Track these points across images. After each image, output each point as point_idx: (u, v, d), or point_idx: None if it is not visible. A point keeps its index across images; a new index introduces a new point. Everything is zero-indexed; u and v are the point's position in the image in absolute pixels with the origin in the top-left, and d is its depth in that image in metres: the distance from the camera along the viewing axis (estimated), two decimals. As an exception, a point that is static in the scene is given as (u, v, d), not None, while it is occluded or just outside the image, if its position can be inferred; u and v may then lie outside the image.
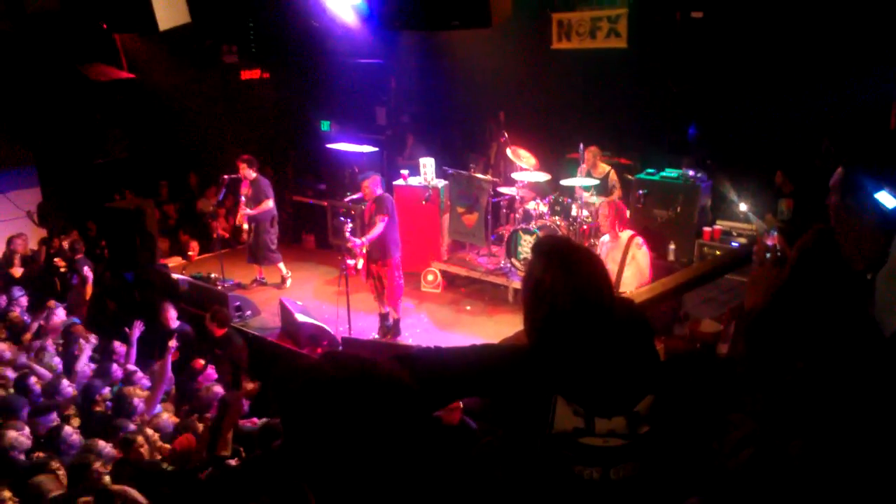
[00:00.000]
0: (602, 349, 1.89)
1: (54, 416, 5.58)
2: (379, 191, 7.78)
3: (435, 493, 1.30)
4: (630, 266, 5.99)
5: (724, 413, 2.08)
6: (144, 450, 4.93)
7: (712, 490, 1.91)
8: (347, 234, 7.62)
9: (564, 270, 1.92)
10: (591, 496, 1.90)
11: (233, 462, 4.26)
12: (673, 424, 1.94)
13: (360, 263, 7.76)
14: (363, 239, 7.61)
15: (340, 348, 7.24)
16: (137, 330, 7.12)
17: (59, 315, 7.62)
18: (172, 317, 7.46)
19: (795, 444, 1.84)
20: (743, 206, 8.36)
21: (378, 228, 7.55)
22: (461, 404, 4.65)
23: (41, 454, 4.90)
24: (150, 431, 5.28)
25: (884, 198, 1.69)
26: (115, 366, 6.60)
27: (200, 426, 5.22)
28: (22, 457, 4.91)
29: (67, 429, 5.24)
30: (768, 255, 2.00)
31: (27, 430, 5.14)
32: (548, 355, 1.92)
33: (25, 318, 7.83)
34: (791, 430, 1.90)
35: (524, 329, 2.04)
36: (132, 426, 5.38)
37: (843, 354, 1.74)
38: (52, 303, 7.90)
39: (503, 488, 1.99)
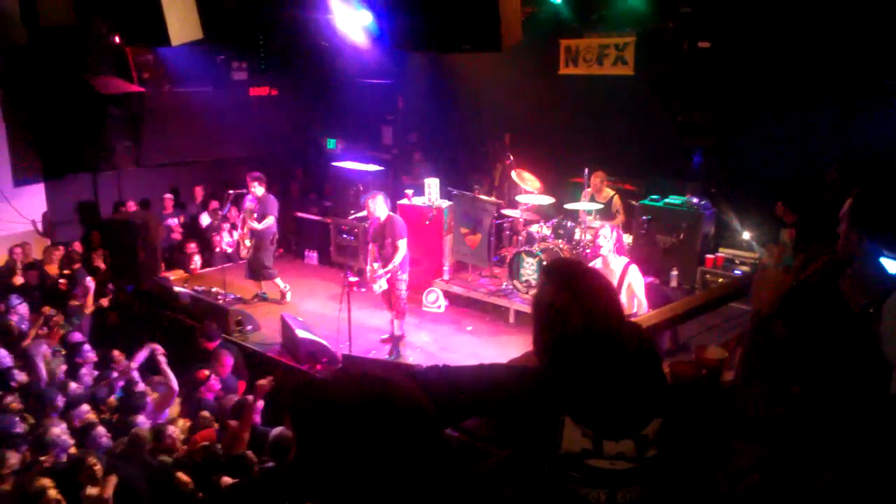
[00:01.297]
0: (611, 372, 1.90)
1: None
2: (387, 211, 7.83)
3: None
4: (625, 293, 5.98)
5: (728, 440, 2.09)
6: (175, 440, 4.97)
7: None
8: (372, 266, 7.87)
9: (575, 293, 1.94)
10: (598, 519, 1.90)
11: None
12: (680, 449, 1.95)
13: (383, 286, 7.82)
14: (391, 265, 7.71)
15: (340, 366, 7.23)
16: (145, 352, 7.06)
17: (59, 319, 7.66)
18: (209, 337, 7.41)
19: (803, 476, 1.85)
20: (746, 235, 8.39)
21: (402, 252, 7.69)
22: None
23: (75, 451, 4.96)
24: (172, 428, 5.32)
25: (888, 263, 1.76)
26: (115, 374, 6.63)
27: (215, 424, 5.25)
28: (63, 456, 4.97)
29: (100, 428, 5.28)
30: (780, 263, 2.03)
31: (65, 426, 5.20)
32: (557, 377, 1.93)
33: (23, 326, 7.82)
34: (795, 458, 1.91)
35: (534, 350, 2.05)
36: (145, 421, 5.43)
37: (844, 384, 1.75)
38: (47, 309, 7.91)
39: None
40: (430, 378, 1.96)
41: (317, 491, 1.27)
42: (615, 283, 6.18)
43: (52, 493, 4.23)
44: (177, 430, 5.25)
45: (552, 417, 1.90)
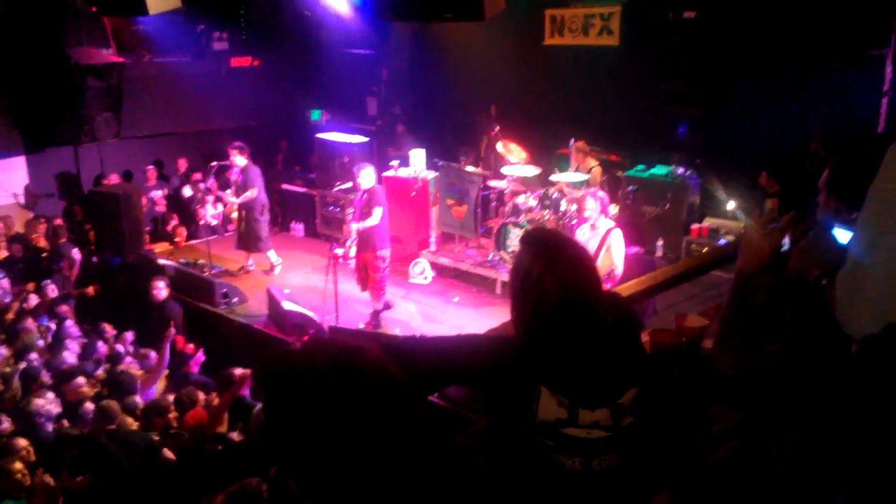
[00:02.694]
0: (588, 341, 1.90)
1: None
2: (373, 183, 7.82)
3: (419, 482, 1.30)
4: (604, 256, 6.05)
5: (707, 407, 2.10)
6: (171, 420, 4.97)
7: (689, 484, 1.93)
8: (348, 219, 7.83)
9: (552, 262, 1.93)
10: (573, 486, 1.92)
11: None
12: (656, 417, 1.96)
13: (353, 250, 7.83)
14: (359, 225, 7.69)
15: (328, 337, 7.24)
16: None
17: (51, 292, 7.62)
18: (160, 289, 7.48)
19: (776, 441, 1.86)
20: (731, 205, 8.41)
21: (375, 217, 7.63)
22: None
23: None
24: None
25: (840, 234, 1.77)
26: (100, 343, 6.61)
27: (202, 400, 5.23)
28: (50, 426, 4.94)
29: (88, 404, 5.26)
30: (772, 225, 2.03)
31: (52, 395, 5.18)
32: (534, 346, 1.93)
33: (6, 299, 7.77)
34: (773, 424, 1.93)
35: (511, 320, 2.05)
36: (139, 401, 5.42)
37: (812, 349, 1.77)
38: (30, 286, 7.86)
39: (485, 477, 2.00)
40: (405, 348, 1.96)
41: (285, 461, 1.26)
42: (599, 244, 6.24)
43: (18, 465, 4.23)
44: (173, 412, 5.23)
45: (528, 387, 1.90)
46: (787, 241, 2.11)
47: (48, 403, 5.02)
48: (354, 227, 7.78)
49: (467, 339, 2.11)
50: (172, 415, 4.93)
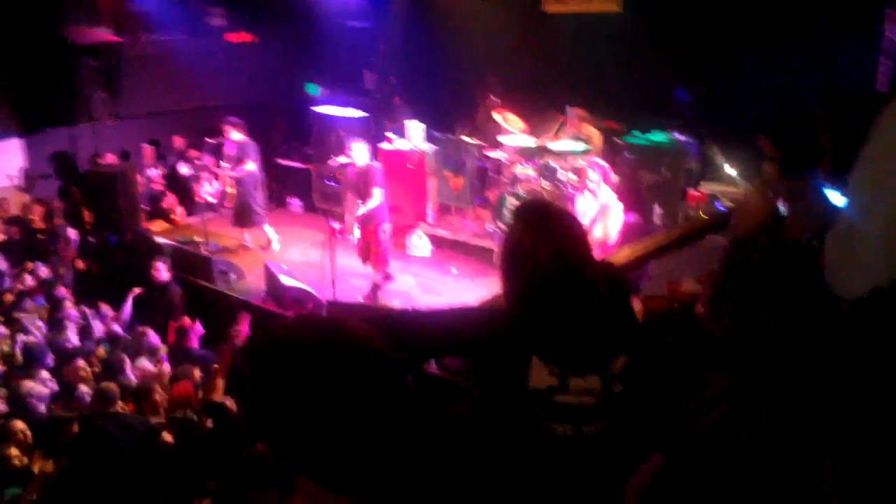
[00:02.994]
0: (579, 311, 1.90)
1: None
2: (367, 160, 7.78)
3: (408, 453, 1.30)
4: (601, 226, 6.04)
5: (699, 372, 2.11)
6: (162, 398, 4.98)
7: (682, 448, 1.94)
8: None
9: (543, 233, 1.92)
10: (564, 452, 1.93)
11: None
12: (647, 384, 1.96)
13: (357, 233, 7.83)
14: (362, 210, 7.71)
15: (325, 312, 7.26)
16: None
17: (41, 274, 7.61)
18: (160, 270, 7.54)
19: (767, 404, 1.87)
20: (730, 170, 8.36)
21: (376, 198, 7.64)
22: None
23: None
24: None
25: (832, 195, 1.76)
26: (97, 323, 6.62)
27: (198, 376, 5.23)
28: (42, 407, 4.95)
29: (83, 386, 5.27)
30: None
31: (47, 375, 5.19)
32: (525, 316, 1.93)
33: (5, 282, 7.77)
34: (764, 387, 1.93)
35: (502, 290, 2.04)
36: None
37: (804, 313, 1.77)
38: (29, 265, 7.86)
39: (478, 446, 2.01)
40: (399, 320, 1.96)
41: (272, 436, 1.26)
42: (598, 214, 6.23)
43: (14, 451, 4.24)
44: (161, 391, 5.24)
45: (520, 356, 1.91)
46: (782, 206, 2.10)
47: (38, 385, 5.02)
48: (360, 209, 7.78)
49: (460, 310, 2.12)
50: (159, 395, 4.93)
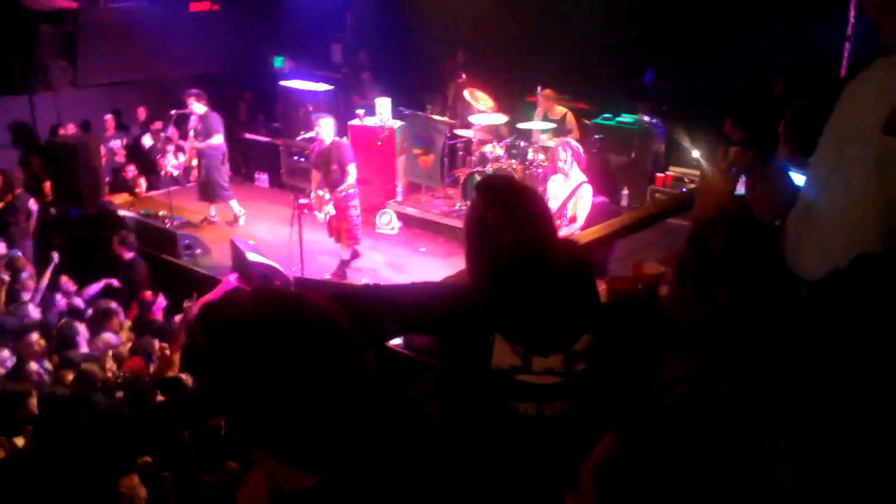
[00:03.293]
0: (542, 289, 1.90)
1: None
2: (333, 136, 7.69)
3: (365, 430, 1.29)
4: (570, 207, 6.06)
5: (659, 353, 2.13)
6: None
7: (640, 426, 1.95)
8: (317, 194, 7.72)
9: (506, 209, 1.90)
10: (526, 432, 1.93)
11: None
12: (609, 363, 1.97)
13: (330, 209, 7.72)
14: (341, 190, 7.60)
15: (293, 289, 7.20)
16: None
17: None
18: (126, 246, 7.47)
19: (725, 385, 1.89)
20: (696, 153, 8.44)
21: (353, 175, 7.58)
22: None
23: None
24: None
25: (795, 176, 1.78)
26: (58, 296, 6.50)
27: (158, 348, 5.17)
28: None
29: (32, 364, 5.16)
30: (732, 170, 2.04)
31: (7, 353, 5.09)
32: (488, 295, 1.92)
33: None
34: (722, 369, 1.96)
35: (466, 267, 2.03)
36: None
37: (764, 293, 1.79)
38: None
39: (438, 425, 2.01)
40: (354, 295, 1.94)
41: (227, 410, 1.24)
42: (568, 196, 6.23)
43: None
44: (112, 363, 5.15)
45: (483, 335, 1.90)
46: (744, 187, 2.11)
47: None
48: (342, 186, 7.65)
49: (423, 286, 2.10)
50: (110, 372, 4.85)
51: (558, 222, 5.91)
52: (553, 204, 6.05)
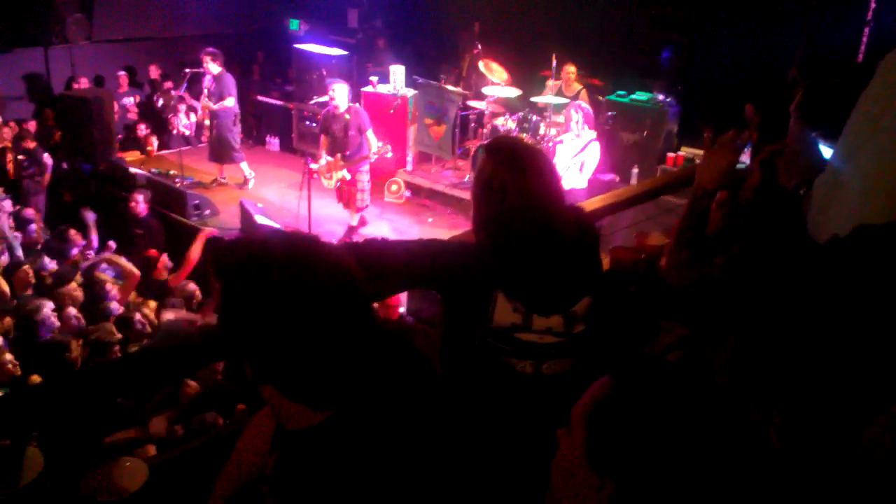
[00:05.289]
0: (546, 249, 1.93)
1: None
2: (348, 102, 7.68)
3: (372, 372, 1.33)
4: (578, 157, 6.27)
5: (656, 319, 2.17)
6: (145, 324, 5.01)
7: (633, 373, 1.99)
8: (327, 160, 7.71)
9: (514, 169, 1.93)
10: (522, 388, 1.98)
11: None
12: (607, 326, 2.01)
13: (342, 175, 7.73)
14: (362, 157, 7.66)
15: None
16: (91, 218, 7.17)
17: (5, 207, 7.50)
18: (139, 202, 7.54)
19: (720, 352, 1.92)
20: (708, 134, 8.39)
21: (373, 142, 7.64)
22: (400, 300, 4.74)
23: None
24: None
25: (823, 147, 1.78)
26: (74, 250, 6.60)
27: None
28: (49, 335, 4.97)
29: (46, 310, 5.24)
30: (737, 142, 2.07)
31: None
32: (493, 252, 1.96)
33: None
34: (718, 336, 1.99)
35: (472, 226, 2.07)
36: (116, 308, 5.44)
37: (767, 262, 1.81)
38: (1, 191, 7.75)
39: (439, 378, 2.05)
40: (364, 246, 1.98)
41: (240, 345, 1.28)
42: (579, 151, 6.41)
43: (8, 356, 4.28)
44: (143, 316, 5.23)
45: (485, 292, 1.94)
46: (745, 160, 2.13)
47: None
48: (369, 152, 7.70)
49: (429, 242, 2.13)
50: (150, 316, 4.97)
51: (567, 170, 6.15)
52: (563, 158, 6.32)
